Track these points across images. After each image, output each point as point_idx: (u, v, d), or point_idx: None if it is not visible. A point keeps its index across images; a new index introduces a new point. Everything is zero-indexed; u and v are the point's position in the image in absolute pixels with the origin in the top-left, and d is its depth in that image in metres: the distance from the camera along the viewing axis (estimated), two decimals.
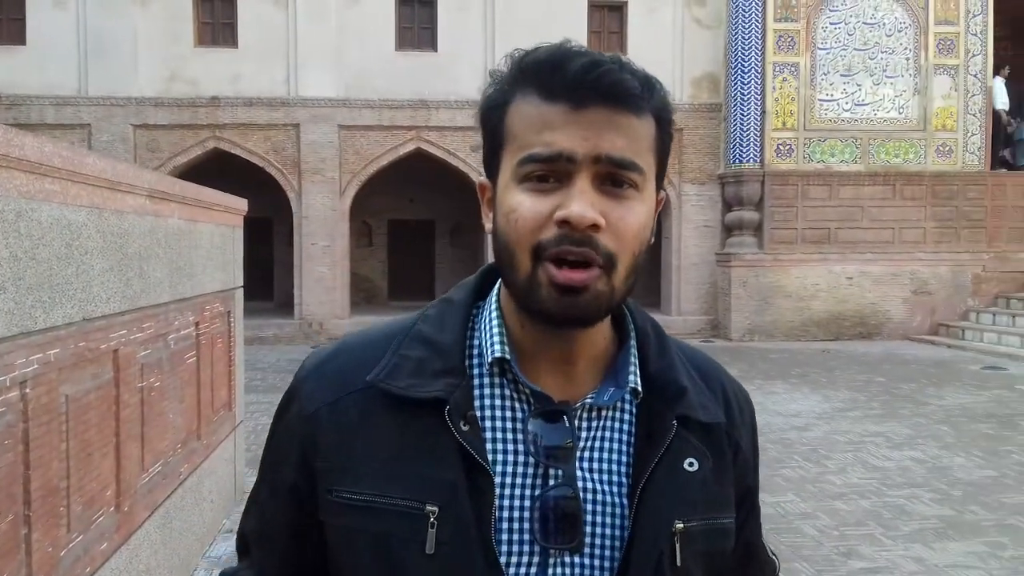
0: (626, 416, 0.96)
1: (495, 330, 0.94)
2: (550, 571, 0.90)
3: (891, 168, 15.20)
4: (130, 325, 3.51)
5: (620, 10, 15.69)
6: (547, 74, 0.88)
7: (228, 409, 5.63)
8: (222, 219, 5.41)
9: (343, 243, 15.51)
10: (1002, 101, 16.18)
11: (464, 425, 0.90)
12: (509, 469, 0.91)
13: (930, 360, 12.72)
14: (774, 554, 1.14)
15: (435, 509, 0.88)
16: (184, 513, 4.38)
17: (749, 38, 14.91)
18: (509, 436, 0.92)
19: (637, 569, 0.90)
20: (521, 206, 0.87)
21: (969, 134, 15.26)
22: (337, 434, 0.93)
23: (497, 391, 0.93)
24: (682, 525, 0.92)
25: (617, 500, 0.93)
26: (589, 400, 0.93)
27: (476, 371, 0.94)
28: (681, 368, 0.99)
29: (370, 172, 15.33)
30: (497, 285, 0.98)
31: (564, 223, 0.85)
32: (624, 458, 0.94)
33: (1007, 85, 16.48)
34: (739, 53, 15.00)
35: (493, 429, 0.92)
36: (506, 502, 0.90)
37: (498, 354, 0.92)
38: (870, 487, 6.11)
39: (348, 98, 15.05)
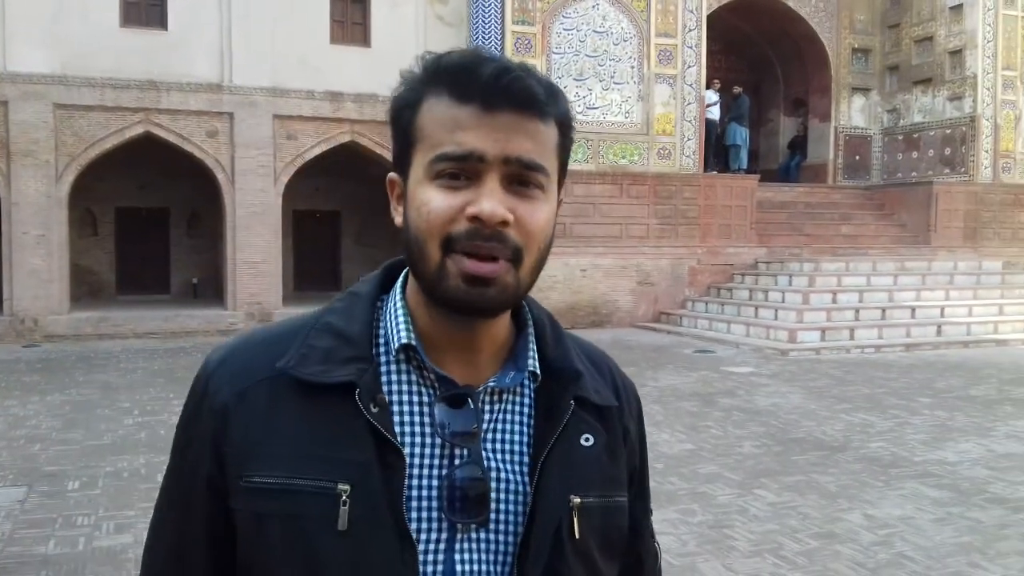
0: (526, 400, 1.02)
1: (400, 319, 0.98)
2: (457, 545, 0.95)
3: (618, 168, 16.32)
4: None
5: (363, 1, 15.62)
6: (460, 77, 0.92)
7: None
8: None
9: (61, 232, 14.22)
10: (713, 111, 17.90)
11: (374, 407, 0.93)
12: (418, 450, 0.95)
13: (651, 345, 13.82)
14: (657, 544, 1.21)
15: (347, 488, 0.91)
16: None
17: (489, 38, 15.40)
18: (417, 419, 0.96)
19: (538, 541, 0.95)
20: (432, 201, 0.91)
21: (685, 139, 16.71)
22: (246, 422, 0.95)
23: (404, 377, 0.98)
24: (579, 500, 0.99)
25: (519, 478, 0.98)
26: (492, 383, 0.99)
27: (383, 359, 0.98)
28: (576, 355, 1.06)
29: (92, 156, 14.16)
30: (400, 278, 1.03)
31: (475, 219, 0.90)
32: (524, 438, 1.00)
33: (720, 96, 18.26)
34: None
35: (401, 412, 0.96)
36: (415, 481, 0.94)
37: (404, 340, 0.97)
38: None
39: (66, 75, 13.80)
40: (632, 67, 16.29)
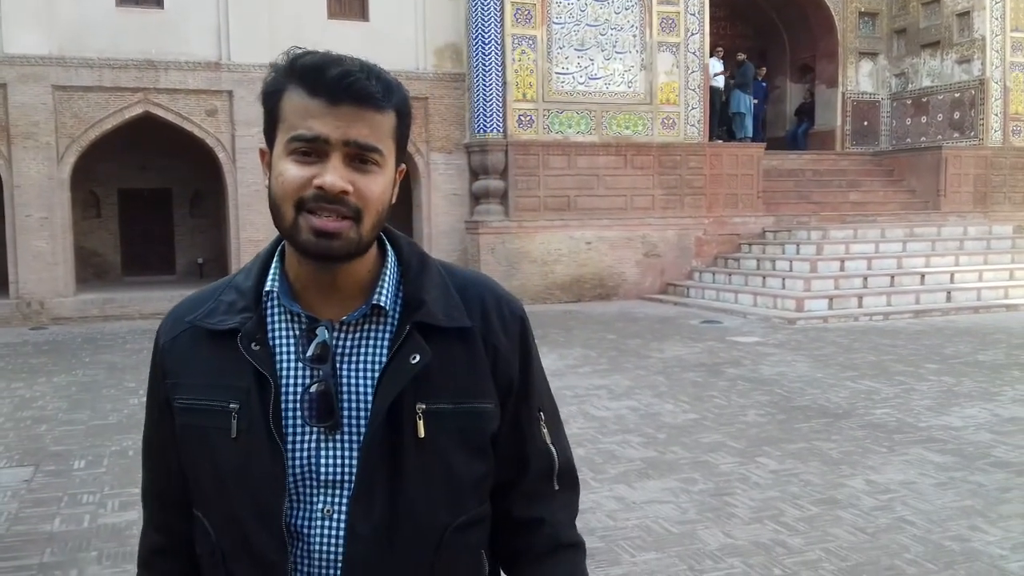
0: (388, 327, 1.24)
1: (271, 271, 1.26)
2: (323, 446, 1.21)
3: (622, 139, 16.18)
4: None
5: None
6: (313, 76, 1.15)
7: None
8: None
9: (64, 214, 14.20)
10: (717, 79, 17.71)
11: (255, 346, 1.22)
12: (292, 374, 1.22)
13: (657, 317, 13.78)
14: (555, 449, 1.35)
15: (236, 406, 1.21)
16: None
17: (488, 10, 15.23)
18: (292, 350, 1.23)
19: (369, 438, 1.19)
20: (288, 171, 1.15)
21: (690, 108, 16.52)
22: (176, 360, 1.28)
23: (283, 317, 1.25)
24: (425, 406, 1.21)
25: (368, 389, 1.21)
26: (344, 318, 1.22)
27: (269, 305, 1.26)
28: (431, 287, 1.26)
29: (92, 137, 14.09)
30: None
31: (320, 188, 1.13)
32: (382, 359, 1.22)
33: (724, 63, 18.05)
34: (479, 24, 15.29)
35: (280, 346, 1.24)
36: (290, 398, 1.21)
37: (267, 288, 1.25)
38: (587, 436, 6.55)
39: (63, 56, 13.70)
40: (634, 36, 16.08)
